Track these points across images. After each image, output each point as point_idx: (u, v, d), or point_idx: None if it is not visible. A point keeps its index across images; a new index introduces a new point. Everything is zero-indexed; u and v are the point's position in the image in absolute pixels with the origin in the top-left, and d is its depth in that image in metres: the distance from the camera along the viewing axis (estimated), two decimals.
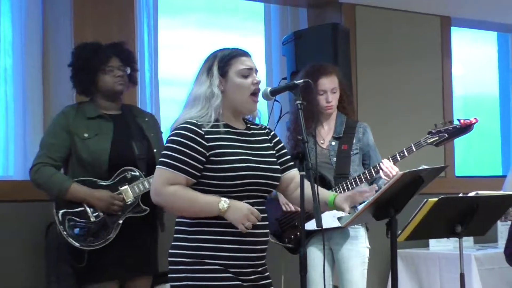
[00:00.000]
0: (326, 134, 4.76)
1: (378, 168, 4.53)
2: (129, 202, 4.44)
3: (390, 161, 4.54)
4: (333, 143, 4.72)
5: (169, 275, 3.43)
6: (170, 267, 3.42)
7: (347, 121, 4.78)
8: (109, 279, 4.45)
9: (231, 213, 3.31)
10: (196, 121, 3.38)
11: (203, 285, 3.33)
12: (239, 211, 3.31)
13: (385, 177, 4.49)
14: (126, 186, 4.45)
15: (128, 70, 4.65)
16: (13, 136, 5.35)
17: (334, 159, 4.68)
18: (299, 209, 4.57)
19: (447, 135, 4.57)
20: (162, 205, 3.52)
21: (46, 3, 5.49)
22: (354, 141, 4.73)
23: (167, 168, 3.35)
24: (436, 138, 4.58)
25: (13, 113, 5.36)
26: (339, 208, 3.49)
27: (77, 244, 4.36)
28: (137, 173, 4.48)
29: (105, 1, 5.46)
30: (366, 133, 4.78)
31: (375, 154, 4.77)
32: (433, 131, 4.60)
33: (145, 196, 4.35)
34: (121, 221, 4.40)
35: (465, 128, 4.55)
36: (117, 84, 4.59)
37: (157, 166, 3.40)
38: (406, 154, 4.56)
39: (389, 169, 4.48)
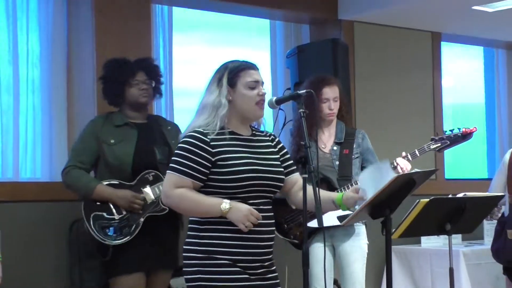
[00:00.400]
0: (327, 139, 4.77)
1: (395, 164, 4.52)
2: (149, 202, 4.46)
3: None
4: (335, 148, 4.73)
5: (183, 269, 3.45)
6: (184, 261, 3.44)
7: (346, 128, 4.80)
8: (135, 271, 4.46)
9: (232, 214, 3.32)
10: (203, 129, 3.40)
11: (213, 278, 3.35)
12: (240, 212, 3.32)
13: (400, 171, 4.48)
14: (148, 187, 4.47)
15: (153, 84, 4.68)
16: (40, 142, 5.36)
17: (337, 162, 4.69)
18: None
19: (449, 142, 4.57)
20: (171, 207, 3.53)
21: (70, 20, 5.50)
22: (354, 146, 4.74)
23: (175, 173, 3.37)
24: (439, 144, 4.58)
25: (40, 121, 5.37)
26: (350, 200, 3.48)
27: (102, 240, 4.39)
28: (158, 176, 4.49)
29: (124, 19, 5.47)
30: (364, 139, 4.80)
31: (373, 157, 4.78)
32: (436, 138, 4.59)
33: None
34: (142, 219, 4.42)
35: (466, 135, 4.55)
36: (141, 97, 4.62)
37: (167, 171, 3.42)
38: (410, 158, 4.56)
39: (406, 166, 4.49)
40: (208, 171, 3.36)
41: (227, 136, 3.42)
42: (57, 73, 5.42)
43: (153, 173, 4.50)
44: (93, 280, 4.73)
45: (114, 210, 4.43)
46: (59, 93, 5.42)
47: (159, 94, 4.80)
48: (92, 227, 4.39)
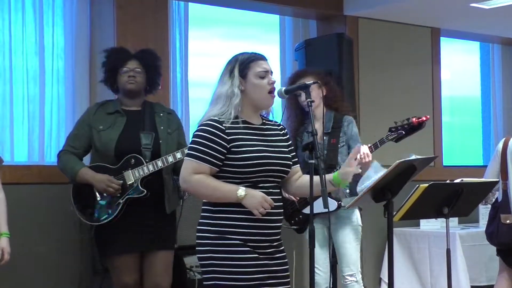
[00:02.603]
0: (318, 130, 4.68)
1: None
2: (129, 184, 4.42)
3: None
4: (324, 138, 4.63)
5: (196, 248, 3.43)
6: (197, 241, 3.42)
7: (334, 117, 4.67)
8: (125, 253, 4.44)
9: (247, 200, 3.29)
10: (218, 118, 3.36)
11: (224, 257, 3.32)
12: (255, 198, 3.29)
13: (358, 158, 4.34)
14: (129, 171, 4.44)
15: (143, 72, 4.59)
16: (64, 128, 5.36)
17: (325, 151, 4.60)
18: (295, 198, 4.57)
19: (404, 132, 4.45)
20: (189, 192, 3.50)
21: (93, 15, 5.50)
22: (340, 135, 4.64)
23: (193, 159, 3.33)
24: (395, 135, 4.47)
25: (64, 109, 5.39)
26: (345, 175, 3.41)
27: (86, 220, 4.45)
28: (140, 160, 4.45)
29: (143, 14, 5.47)
30: (350, 125, 4.65)
31: (356, 144, 4.65)
32: (392, 128, 4.49)
33: (148, 181, 4.41)
34: (121, 201, 4.40)
35: (418, 125, 4.42)
36: (128, 84, 4.56)
37: (184, 158, 3.39)
38: (373, 149, 4.46)
39: (364, 151, 4.31)
40: (223, 157, 3.33)
41: (241, 125, 3.39)
42: (80, 64, 5.43)
43: (135, 158, 4.45)
44: None
45: (97, 193, 4.42)
46: (82, 83, 5.43)
47: (154, 84, 4.68)
48: (78, 208, 4.44)
